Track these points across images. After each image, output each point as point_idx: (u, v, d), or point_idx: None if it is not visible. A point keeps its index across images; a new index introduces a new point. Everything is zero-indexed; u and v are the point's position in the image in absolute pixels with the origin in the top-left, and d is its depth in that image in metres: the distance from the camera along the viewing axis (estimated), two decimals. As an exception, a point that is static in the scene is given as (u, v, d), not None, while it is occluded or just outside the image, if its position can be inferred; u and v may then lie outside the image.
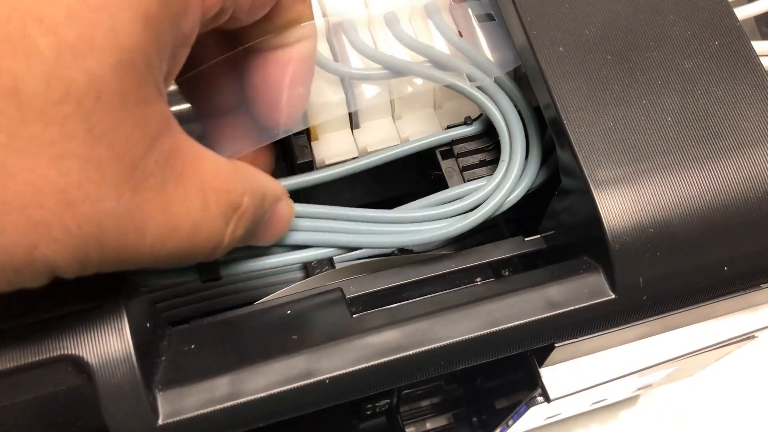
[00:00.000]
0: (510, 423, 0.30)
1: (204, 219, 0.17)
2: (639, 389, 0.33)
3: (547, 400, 0.24)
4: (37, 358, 0.18)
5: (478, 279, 0.26)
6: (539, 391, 0.25)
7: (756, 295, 0.24)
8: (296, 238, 0.23)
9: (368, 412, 0.33)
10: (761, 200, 0.22)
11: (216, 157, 0.18)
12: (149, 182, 0.16)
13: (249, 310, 0.23)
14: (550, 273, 0.22)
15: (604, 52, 0.23)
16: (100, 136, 0.14)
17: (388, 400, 0.32)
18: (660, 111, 0.23)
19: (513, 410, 0.28)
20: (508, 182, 0.25)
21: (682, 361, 0.28)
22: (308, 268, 0.25)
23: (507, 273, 0.26)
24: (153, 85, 0.16)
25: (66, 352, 0.19)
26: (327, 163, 0.27)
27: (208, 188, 0.17)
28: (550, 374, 0.24)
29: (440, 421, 0.37)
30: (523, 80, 0.27)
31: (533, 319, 0.21)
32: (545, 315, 0.21)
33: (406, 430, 0.36)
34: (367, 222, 0.24)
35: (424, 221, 0.24)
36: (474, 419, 0.36)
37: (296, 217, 0.23)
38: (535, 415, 0.29)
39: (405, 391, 0.35)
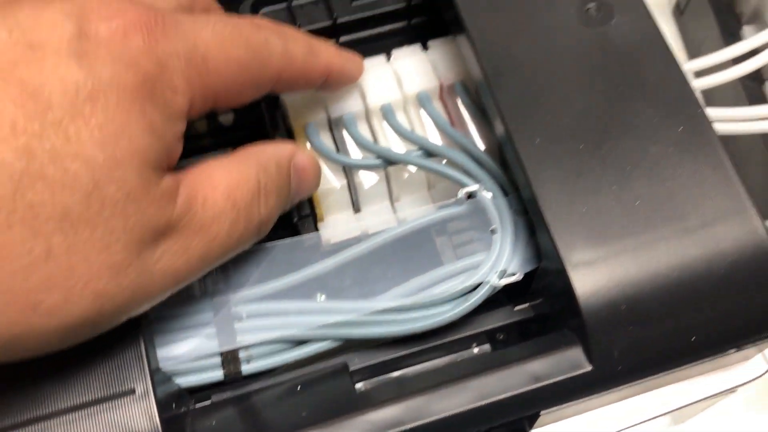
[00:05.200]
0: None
1: (236, 222, 0.22)
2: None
3: (539, 460, 0.26)
4: (78, 444, 0.21)
5: (474, 344, 0.29)
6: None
7: (726, 359, 0.26)
8: (300, 334, 0.26)
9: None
10: (722, 276, 0.24)
11: (221, 164, 0.23)
12: (181, 231, 0.21)
13: (264, 385, 0.26)
14: (535, 347, 0.25)
15: (577, 142, 0.26)
16: (132, 225, 0.19)
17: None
18: (629, 195, 0.25)
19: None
20: (501, 262, 0.27)
21: (665, 416, 0.30)
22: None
23: (501, 337, 0.29)
24: (162, 168, 0.20)
25: (103, 437, 0.21)
26: (332, 242, 0.29)
27: (229, 199, 0.22)
28: (540, 435, 0.27)
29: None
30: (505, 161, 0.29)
31: (519, 392, 0.23)
32: (529, 388, 0.23)
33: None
34: (366, 314, 0.26)
35: (427, 307, 0.27)
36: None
37: (303, 314, 0.26)
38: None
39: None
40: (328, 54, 0.27)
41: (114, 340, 0.23)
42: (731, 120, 0.40)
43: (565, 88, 0.27)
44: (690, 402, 0.28)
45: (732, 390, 0.29)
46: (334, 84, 0.28)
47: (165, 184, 0.20)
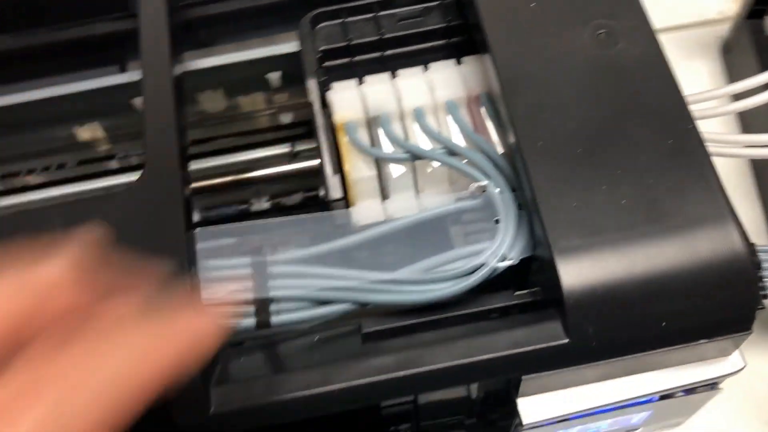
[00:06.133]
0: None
1: None
2: (629, 432, 0.37)
3: (521, 424, 0.30)
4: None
5: (474, 322, 0.32)
6: (518, 419, 0.30)
7: (699, 350, 0.29)
8: (323, 295, 0.30)
9: (392, 435, 0.39)
10: (695, 274, 0.27)
11: None
12: None
13: (288, 334, 0.30)
14: (521, 319, 0.28)
15: (575, 147, 0.29)
16: None
17: (408, 425, 0.38)
18: (616, 195, 0.28)
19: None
20: (502, 249, 0.31)
21: (653, 406, 0.33)
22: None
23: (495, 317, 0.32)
24: None
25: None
26: (361, 224, 0.34)
27: None
28: (526, 403, 0.30)
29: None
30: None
31: (500, 354, 0.27)
32: (510, 352, 0.27)
33: (429, 457, 0.42)
34: (383, 282, 0.30)
35: (432, 282, 0.31)
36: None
37: (326, 278, 0.30)
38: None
39: (427, 422, 0.40)
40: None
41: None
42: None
43: (569, 101, 0.30)
44: (671, 387, 0.30)
45: (713, 386, 0.32)
46: None
47: None
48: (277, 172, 0.42)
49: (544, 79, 0.31)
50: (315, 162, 0.42)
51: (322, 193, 0.43)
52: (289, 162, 0.43)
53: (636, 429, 0.37)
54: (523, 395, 0.30)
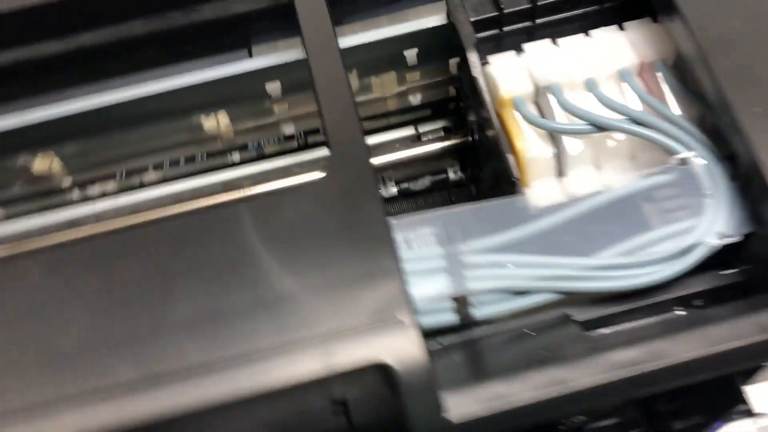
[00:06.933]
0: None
1: None
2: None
3: (751, 413, 0.28)
4: (360, 365, 0.23)
5: (674, 307, 0.30)
6: (740, 407, 0.28)
7: None
8: (525, 284, 0.28)
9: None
10: None
11: None
12: None
13: (494, 331, 0.27)
14: (761, 301, 0.26)
15: (797, 110, 0.27)
16: None
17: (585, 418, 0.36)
18: None
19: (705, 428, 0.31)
20: (717, 225, 0.28)
21: None
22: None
23: (700, 304, 0.30)
24: None
25: (377, 360, 0.23)
26: (539, 206, 0.31)
27: None
28: (752, 391, 0.28)
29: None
30: (711, 131, 0.30)
31: (748, 341, 0.25)
32: (760, 338, 0.25)
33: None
34: (585, 269, 0.28)
35: (642, 266, 0.28)
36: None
37: (522, 266, 0.28)
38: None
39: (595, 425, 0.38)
40: None
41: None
42: None
43: (782, 60, 0.28)
44: None
45: None
46: None
47: None
48: (406, 156, 0.40)
49: (750, 37, 0.28)
50: (442, 144, 0.39)
51: (452, 175, 0.41)
52: (413, 145, 0.40)
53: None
54: (752, 382, 0.28)
